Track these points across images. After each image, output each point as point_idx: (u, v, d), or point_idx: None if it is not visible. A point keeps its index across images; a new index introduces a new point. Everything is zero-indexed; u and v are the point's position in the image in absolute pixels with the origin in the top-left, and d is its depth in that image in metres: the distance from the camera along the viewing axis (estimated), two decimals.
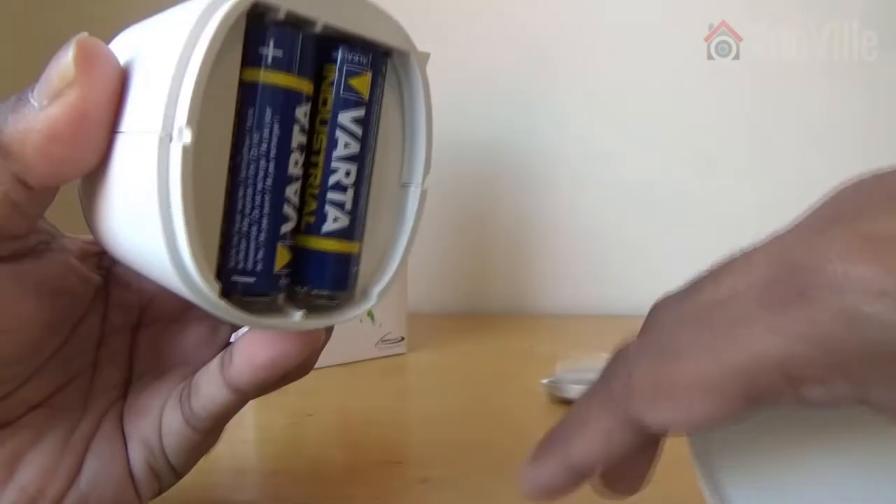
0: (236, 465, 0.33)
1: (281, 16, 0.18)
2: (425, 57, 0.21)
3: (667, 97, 0.71)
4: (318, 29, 0.18)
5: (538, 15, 0.72)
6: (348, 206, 0.20)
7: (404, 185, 0.22)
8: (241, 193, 0.18)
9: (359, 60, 0.19)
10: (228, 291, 0.18)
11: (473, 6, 0.73)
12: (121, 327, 0.24)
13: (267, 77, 0.18)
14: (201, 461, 0.24)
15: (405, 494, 0.30)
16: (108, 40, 0.19)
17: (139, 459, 0.22)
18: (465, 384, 0.46)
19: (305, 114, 0.19)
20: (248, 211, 0.18)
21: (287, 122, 0.18)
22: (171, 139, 0.16)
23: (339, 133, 0.19)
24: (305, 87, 0.19)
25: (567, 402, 0.40)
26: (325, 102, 0.19)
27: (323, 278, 0.20)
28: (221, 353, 0.22)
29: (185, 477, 0.24)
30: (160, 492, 0.23)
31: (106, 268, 0.24)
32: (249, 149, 0.18)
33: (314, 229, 0.20)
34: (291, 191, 0.19)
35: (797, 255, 0.15)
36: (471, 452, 0.34)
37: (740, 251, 0.17)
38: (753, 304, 0.15)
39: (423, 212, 0.22)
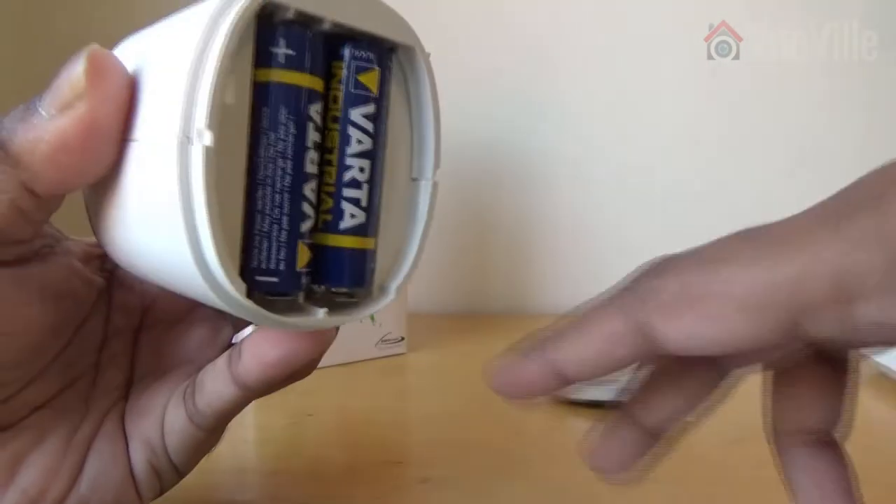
0: (236, 465, 0.33)
1: (290, 14, 0.18)
2: (426, 56, 0.21)
3: (667, 97, 0.71)
4: (326, 26, 0.19)
5: (538, 15, 0.72)
6: (364, 202, 0.20)
7: (415, 180, 0.22)
8: (260, 193, 0.18)
9: (367, 57, 0.19)
10: (251, 292, 0.18)
11: (474, 6, 0.72)
12: (123, 329, 0.24)
13: (280, 76, 0.18)
14: (202, 461, 0.24)
15: (405, 494, 0.30)
16: (108, 40, 0.19)
17: (141, 459, 0.22)
18: (465, 384, 0.46)
19: (318, 111, 0.19)
20: (268, 210, 0.18)
21: (302, 120, 0.18)
22: (190, 142, 0.16)
23: (351, 130, 0.19)
24: (317, 84, 0.19)
25: (567, 403, 0.40)
26: (335, 100, 0.19)
27: (342, 275, 0.20)
28: (229, 351, 0.22)
29: (186, 477, 0.24)
30: (161, 492, 0.23)
31: (109, 270, 0.24)
32: (266, 148, 0.18)
33: (331, 227, 0.20)
34: (309, 189, 0.19)
35: (857, 193, 0.14)
36: (471, 452, 0.34)
37: None
38: (814, 220, 0.14)
39: (436, 205, 0.22)
